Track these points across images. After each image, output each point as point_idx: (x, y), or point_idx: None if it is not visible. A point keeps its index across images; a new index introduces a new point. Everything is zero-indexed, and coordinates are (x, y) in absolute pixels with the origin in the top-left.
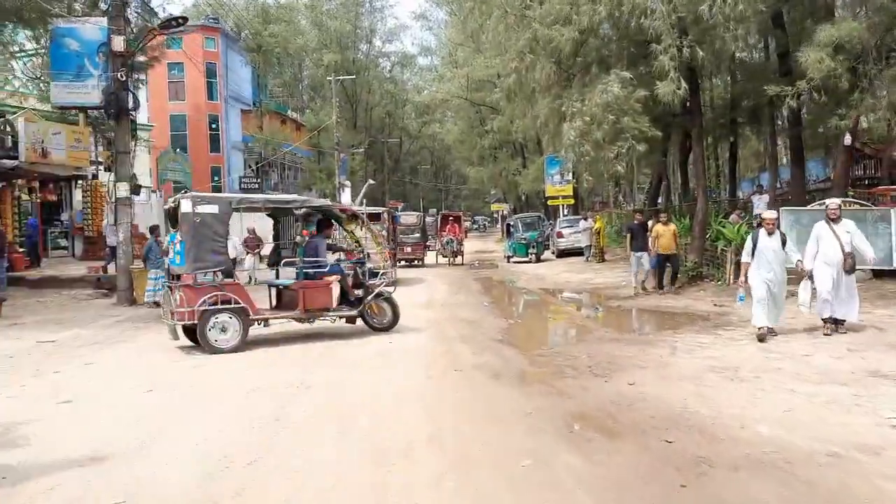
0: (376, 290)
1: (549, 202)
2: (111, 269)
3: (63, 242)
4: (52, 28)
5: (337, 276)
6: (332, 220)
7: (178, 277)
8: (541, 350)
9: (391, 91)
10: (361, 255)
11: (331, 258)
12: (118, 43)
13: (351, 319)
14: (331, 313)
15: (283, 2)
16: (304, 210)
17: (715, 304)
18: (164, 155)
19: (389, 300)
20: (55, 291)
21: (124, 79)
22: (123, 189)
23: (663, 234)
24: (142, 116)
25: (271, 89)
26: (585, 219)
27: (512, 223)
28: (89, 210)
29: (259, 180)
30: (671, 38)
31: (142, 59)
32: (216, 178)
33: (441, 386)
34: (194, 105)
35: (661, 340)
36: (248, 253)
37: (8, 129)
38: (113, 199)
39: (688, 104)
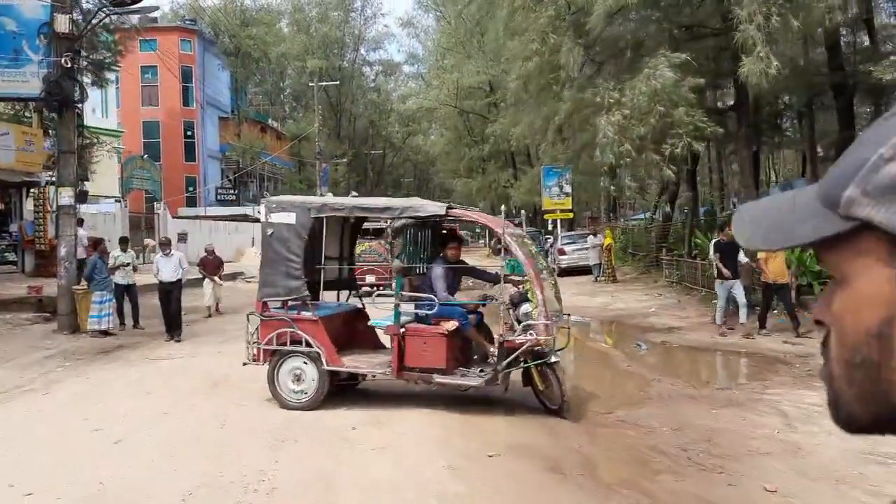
0: (535, 350)
1: (546, 216)
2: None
3: (11, 257)
4: None
5: (456, 322)
6: (455, 236)
7: (128, 290)
8: (598, 414)
9: (375, 101)
10: (522, 289)
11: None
12: (62, 23)
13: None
14: (443, 378)
15: (263, 3)
16: (401, 222)
17: (785, 342)
18: (130, 161)
19: (553, 367)
20: None
21: (69, 65)
22: (67, 195)
23: (775, 256)
24: (111, 122)
25: (251, 98)
26: (594, 234)
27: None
28: (41, 221)
29: (236, 191)
30: (756, 3)
31: (106, 55)
32: (191, 188)
33: (471, 484)
34: (169, 111)
35: (755, 400)
36: (204, 277)
37: None
38: (54, 207)
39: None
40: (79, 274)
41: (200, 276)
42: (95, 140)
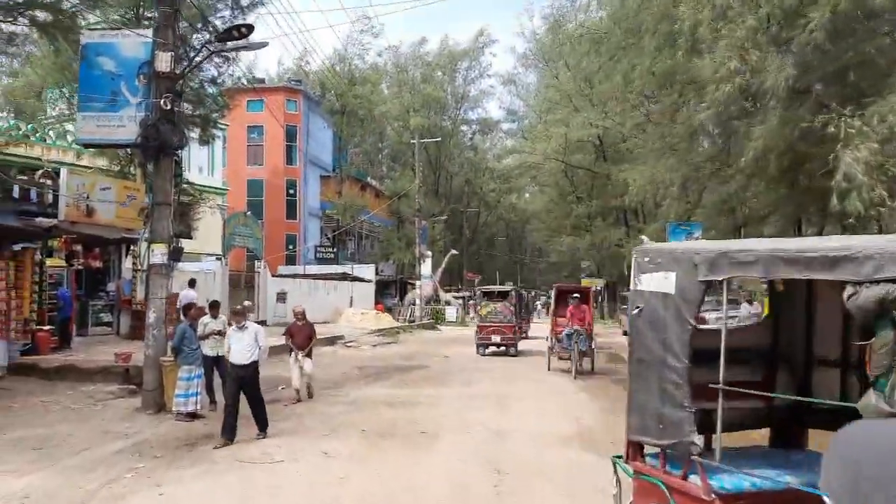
0: None
1: None
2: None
3: (107, 318)
4: (84, 43)
5: None
6: None
7: (217, 363)
8: None
9: (472, 159)
10: None
11: None
12: (164, 61)
13: None
14: None
15: (371, 62)
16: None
17: None
18: (233, 218)
19: None
20: (71, 385)
21: (169, 107)
22: (159, 253)
23: None
24: (216, 180)
25: (350, 158)
26: (749, 301)
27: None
28: (139, 280)
29: (335, 249)
30: None
31: (212, 109)
32: (291, 247)
33: None
34: (272, 169)
35: None
36: (292, 351)
37: (48, 182)
38: (144, 266)
39: None
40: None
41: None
42: (198, 196)
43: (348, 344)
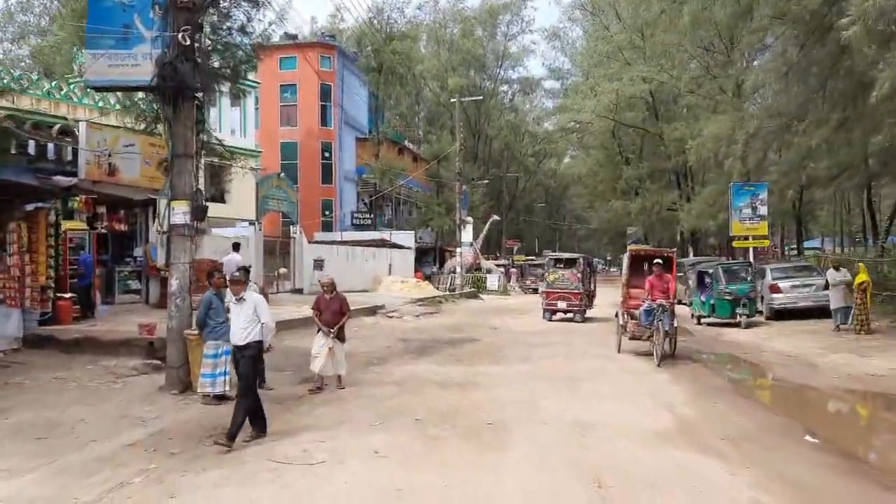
0: None
1: (735, 244)
2: None
3: (135, 285)
4: None
5: None
6: None
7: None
8: None
9: (512, 121)
10: None
11: None
12: None
13: None
14: None
15: (410, 16)
16: None
17: None
18: (266, 180)
19: None
20: (91, 359)
21: (188, 42)
22: (181, 212)
23: None
24: (248, 142)
25: (388, 122)
26: (836, 268)
27: (710, 271)
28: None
29: (372, 216)
30: None
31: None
32: (327, 212)
33: None
34: (307, 130)
35: None
36: (318, 330)
37: (67, 138)
38: (164, 227)
39: None
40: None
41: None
42: (229, 155)
43: (390, 314)
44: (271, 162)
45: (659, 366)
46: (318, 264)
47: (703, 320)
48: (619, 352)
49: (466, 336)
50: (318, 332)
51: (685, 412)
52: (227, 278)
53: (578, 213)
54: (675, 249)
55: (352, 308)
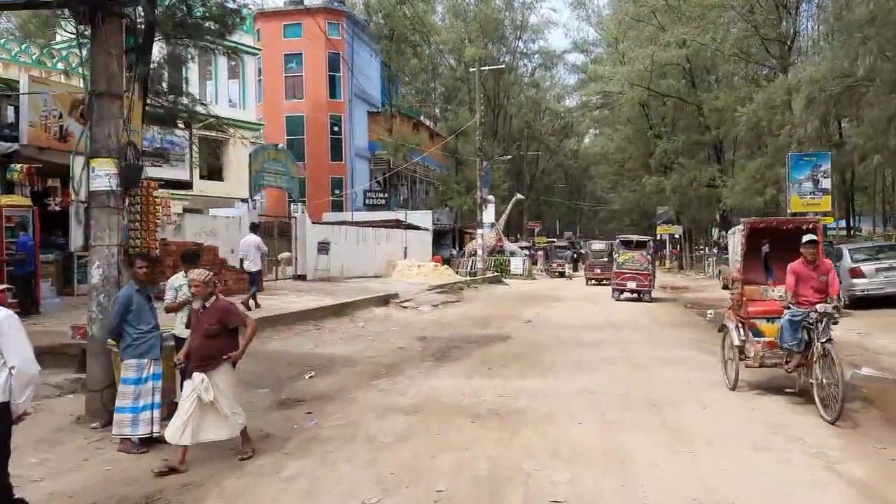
0: None
1: None
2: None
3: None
4: None
5: None
6: None
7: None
8: None
9: (532, 97)
10: None
11: None
12: None
13: None
14: None
15: None
16: None
17: None
18: (260, 152)
19: None
20: None
21: None
22: (104, 174)
23: None
24: (248, 114)
25: (403, 96)
26: None
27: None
28: (138, 224)
29: (386, 195)
30: None
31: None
32: (337, 191)
33: None
34: (314, 103)
35: None
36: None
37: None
38: (79, 194)
39: None
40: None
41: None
42: (218, 124)
43: (404, 304)
44: (276, 137)
45: (835, 422)
46: (324, 247)
47: None
48: (733, 388)
49: (496, 332)
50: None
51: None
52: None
53: (599, 194)
54: (818, 218)
55: (361, 297)
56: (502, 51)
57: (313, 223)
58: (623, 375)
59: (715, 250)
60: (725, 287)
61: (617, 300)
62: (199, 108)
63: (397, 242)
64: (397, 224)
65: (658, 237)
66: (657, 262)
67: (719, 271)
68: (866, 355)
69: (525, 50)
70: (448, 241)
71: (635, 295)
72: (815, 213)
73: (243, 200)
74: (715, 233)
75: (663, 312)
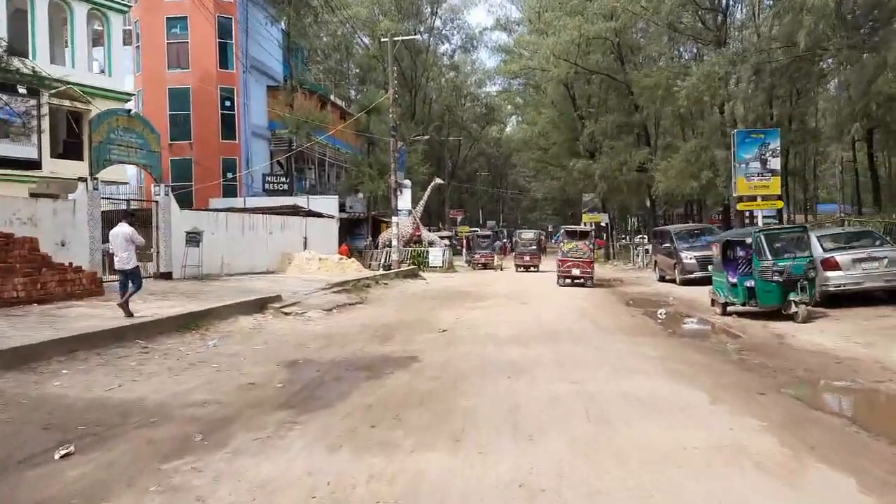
0: None
1: (741, 206)
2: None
3: None
4: None
5: None
6: None
7: None
8: None
9: (452, 80)
10: None
11: None
12: None
13: None
14: None
15: None
16: None
17: None
18: (105, 118)
19: None
20: None
21: None
22: None
23: None
24: (115, 82)
25: (314, 74)
26: None
27: (745, 241)
28: None
29: (289, 180)
30: None
31: None
32: (230, 174)
33: None
34: (202, 74)
35: None
36: None
37: None
38: None
39: None
40: None
41: None
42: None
43: (286, 309)
44: (158, 112)
45: None
46: (194, 238)
47: (729, 308)
48: None
49: (399, 350)
50: None
51: None
52: None
53: (522, 182)
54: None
55: (230, 301)
56: (420, 29)
57: (185, 210)
58: (588, 445)
59: (645, 239)
60: (662, 279)
61: (561, 286)
62: (39, 72)
63: (295, 232)
64: (295, 211)
65: (584, 226)
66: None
67: (655, 262)
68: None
69: (443, 29)
70: (363, 231)
71: (580, 280)
72: (761, 198)
73: (80, 180)
74: (636, 221)
75: (605, 313)
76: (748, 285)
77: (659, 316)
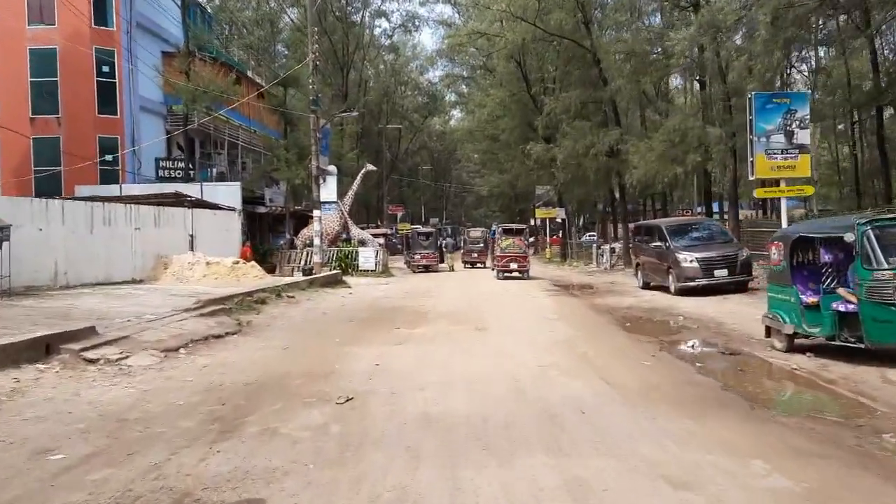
0: None
1: (760, 193)
2: None
3: None
4: None
5: None
6: None
7: None
8: None
9: (392, 63)
10: None
11: None
12: None
13: None
14: None
15: None
16: None
17: None
18: None
19: None
20: None
21: None
22: None
23: None
24: None
25: (235, 54)
26: None
27: (852, 238)
28: None
29: (190, 163)
30: None
31: None
32: (108, 157)
33: None
34: (72, 31)
35: None
36: None
37: None
38: None
39: None
40: None
41: None
42: None
43: (92, 353)
44: (16, 77)
45: None
46: (1, 235)
47: (797, 341)
48: None
49: (231, 477)
50: None
51: None
52: None
53: (466, 178)
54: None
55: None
56: (356, 3)
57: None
58: None
59: (595, 236)
60: (647, 285)
61: (499, 279)
62: None
63: (178, 228)
64: (177, 200)
65: (536, 222)
66: (534, 252)
67: (637, 265)
68: None
69: (381, 4)
70: (286, 228)
71: (517, 274)
72: (786, 182)
73: None
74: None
75: (605, 349)
76: (840, 309)
77: (691, 352)
